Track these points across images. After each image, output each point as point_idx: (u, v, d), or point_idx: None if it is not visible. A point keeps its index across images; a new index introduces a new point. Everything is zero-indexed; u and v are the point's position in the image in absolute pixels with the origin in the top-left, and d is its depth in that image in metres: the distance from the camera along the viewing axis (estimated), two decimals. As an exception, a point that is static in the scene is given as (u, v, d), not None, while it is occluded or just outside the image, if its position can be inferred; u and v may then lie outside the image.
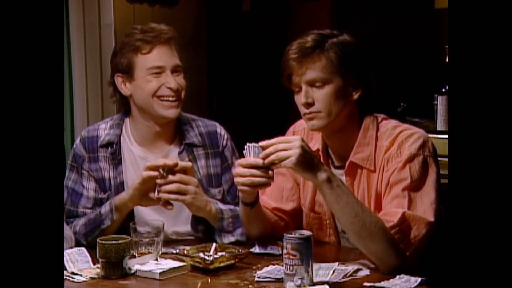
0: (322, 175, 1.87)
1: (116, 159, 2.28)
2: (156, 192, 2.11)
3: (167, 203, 2.13)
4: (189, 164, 2.16)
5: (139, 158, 2.28)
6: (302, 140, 1.88)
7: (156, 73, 2.22)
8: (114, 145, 2.28)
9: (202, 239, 2.20)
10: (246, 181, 1.93)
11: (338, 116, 2.01)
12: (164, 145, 2.30)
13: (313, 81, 1.99)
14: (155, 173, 2.09)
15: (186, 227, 2.26)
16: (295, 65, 2.00)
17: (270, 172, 1.92)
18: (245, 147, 1.95)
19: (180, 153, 2.29)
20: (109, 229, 2.18)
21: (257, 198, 2.10)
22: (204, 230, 2.24)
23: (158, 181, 2.10)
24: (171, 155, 2.29)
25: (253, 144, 1.94)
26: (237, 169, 1.96)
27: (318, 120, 2.01)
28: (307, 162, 1.86)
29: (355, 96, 2.03)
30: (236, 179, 1.96)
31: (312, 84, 2.00)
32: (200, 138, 2.32)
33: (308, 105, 2.01)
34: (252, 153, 1.93)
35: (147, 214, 2.23)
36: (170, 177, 2.10)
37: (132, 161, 2.29)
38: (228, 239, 2.18)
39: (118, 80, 2.27)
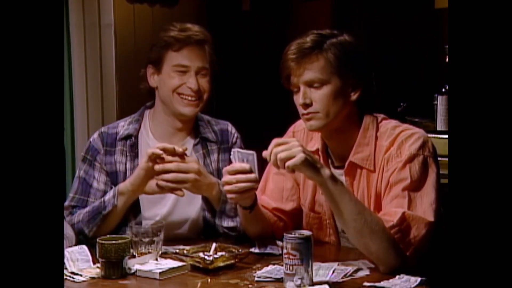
0: (327, 172, 1.87)
1: (134, 152, 2.32)
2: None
3: (176, 190, 2.16)
4: (183, 148, 2.18)
5: None
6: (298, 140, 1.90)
7: (180, 71, 2.27)
8: (133, 138, 2.33)
9: (206, 240, 2.20)
10: (233, 188, 1.96)
11: (337, 116, 2.01)
12: (181, 140, 2.35)
13: (311, 81, 2.00)
14: (160, 152, 2.13)
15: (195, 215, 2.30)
16: (293, 66, 2.00)
17: (254, 175, 1.95)
18: (231, 153, 2.01)
19: (195, 145, 2.34)
20: (112, 217, 2.21)
21: (255, 201, 2.10)
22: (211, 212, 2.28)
23: (156, 167, 2.14)
24: (186, 147, 2.30)
25: (237, 149, 2.00)
26: (224, 178, 1.99)
27: (316, 121, 2.01)
28: (311, 160, 1.85)
29: (354, 96, 2.03)
30: (225, 188, 1.99)
31: (310, 84, 2.00)
32: (214, 134, 2.38)
33: (306, 105, 2.01)
34: (237, 158, 1.98)
35: (153, 210, 2.25)
36: (167, 165, 2.13)
37: None
38: (228, 223, 2.23)
39: (149, 71, 2.34)
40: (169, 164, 2.14)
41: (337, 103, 2.00)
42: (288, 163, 1.82)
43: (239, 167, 1.97)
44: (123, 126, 2.36)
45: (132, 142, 2.32)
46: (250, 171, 1.96)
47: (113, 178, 2.30)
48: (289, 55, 2.00)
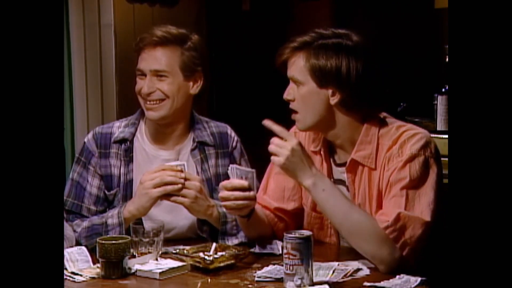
0: (307, 181, 1.94)
1: (128, 157, 2.29)
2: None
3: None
4: (179, 168, 2.16)
5: (152, 156, 2.30)
6: (298, 144, 1.94)
7: (140, 75, 2.26)
8: (128, 142, 2.30)
9: (206, 240, 2.20)
10: (231, 205, 2.00)
11: (318, 118, 2.02)
12: (176, 143, 2.32)
13: (291, 78, 2.03)
14: (171, 188, 2.11)
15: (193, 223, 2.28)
16: (280, 60, 2.04)
17: (252, 193, 1.99)
18: (229, 168, 2.02)
19: (192, 150, 2.31)
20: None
21: (252, 210, 2.11)
22: (209, 231, 2.24)
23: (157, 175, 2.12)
24: (183, 152, 2.31)
25: (235, 166, 2.03)
26: (221, 193, 2.01)
27: (298, 121, 2.06)
28: (293, 166, 1.93)
29: (333, 101, 2.00)
30: (222, 203, 2.02)
31: (294, 81, 2.02)
32: (212, 138, 2.35)
33: (288, 101, 2.05)
34: (235, 174, 2.01)
35: (153, 212, 2.22)
36: (169, 187, 2.11)
37: (144, 159, 2.30)
38: (232, 241, 2.19)
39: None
40: (171, 186, 2.11)
41: (314, 105, 2.01)
42: (272, 158, 1.95)
43: (237, 184, 1.99)
44: (119, 128, 2.33)
45: (127, 146, 2.29)
46: (249, 189, 1.99)
47: (108, 181, 2.27)
48: (281, 50, 2.04)
